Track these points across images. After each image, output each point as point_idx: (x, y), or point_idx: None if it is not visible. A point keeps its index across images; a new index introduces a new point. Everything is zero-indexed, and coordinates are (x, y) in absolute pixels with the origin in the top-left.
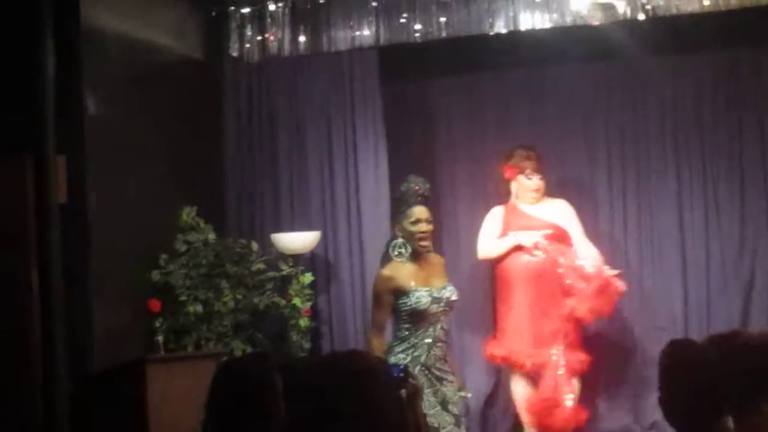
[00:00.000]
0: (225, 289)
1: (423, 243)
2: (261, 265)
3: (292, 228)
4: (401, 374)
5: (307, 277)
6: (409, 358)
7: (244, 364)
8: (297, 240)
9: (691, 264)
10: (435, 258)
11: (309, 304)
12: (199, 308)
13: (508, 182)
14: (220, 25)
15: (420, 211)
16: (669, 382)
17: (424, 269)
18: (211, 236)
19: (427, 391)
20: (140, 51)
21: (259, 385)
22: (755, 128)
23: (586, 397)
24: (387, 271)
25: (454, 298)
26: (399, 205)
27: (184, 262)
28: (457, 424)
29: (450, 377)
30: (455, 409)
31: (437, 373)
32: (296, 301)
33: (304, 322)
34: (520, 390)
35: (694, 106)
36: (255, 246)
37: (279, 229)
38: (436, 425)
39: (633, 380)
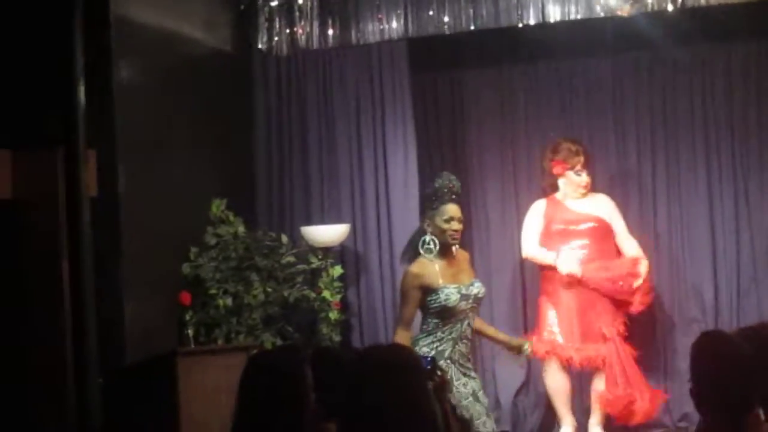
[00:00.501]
0: (255, 282)
1: (453, 241)
2: (291, 258)
3: (322, 221)
4: (429, 366)
5: (337, 270)
6: (433, 352)
7: (274, 357)
8: (327, 233)
9: (721, 256)
10: (461, 254)
11: (339, 296)
12: (229, 301)
13: (555, 177)
14: (249, 18)
15: (453, 210)
16: (701, 374)
17: (453, 266)
18: (241, 229)
19: (457, 382)
20: (171, 44)
21: (290, 378)
22: None
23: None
24: (415, 269)
25: (481, 294)
26: (431, 201)
27: (214, 255)
28: (488, 415)
29: (473, 374)
30: (485, 401)
31: (461, 369)
32: (326, 293)
33: (333, 315)
34: (555, 382)
35: (724, 97)
36: (285, 239)
37: (309, 221)
38: (468, 417)
39: (665, 371)
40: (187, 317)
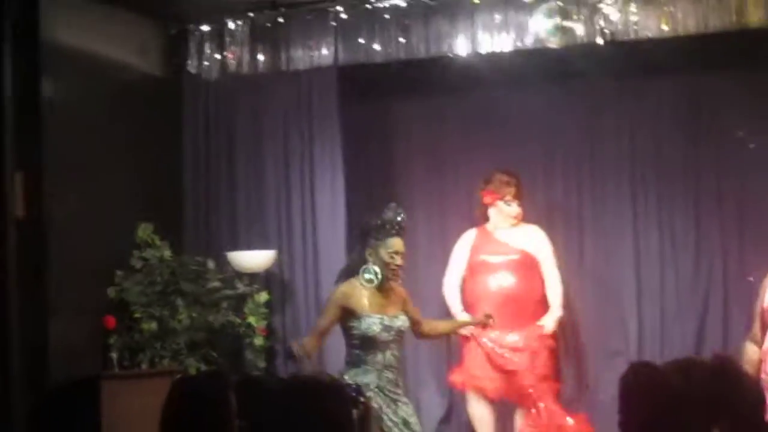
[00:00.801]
0: (180, 306)
1: (394, 276)
2: (217, 283)
3: (249, 246)
4: (354, 394)
5: (263, 296)
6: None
7: (198, 382)
8: (253, 258)
9: (645, 289)
10: (398, 290)
11: (264, 323)
12: (154, 325)
13: (486, 207)
14: (179, 43)
15: (398, 244)
16: (630, 405)
17: (383, 297)
18: (167, 253)
19: (387, 409)
20: (100, 67)
21: (213, 403)
22: (712, 155)
23: None
24: (345, 288)
25: (404, 327)
26: (377, 232)
27: (140, 279)
28: None
29: (404, 399)
30: (417, 428)
31: (391, 395)
32: (251, 319)
33: (259, 341)
34: (477, 413)
35: (652, 132)
36: (211, 264)
37: (235, 247)
38: None
39: (587, 404)
40: (112, 341)
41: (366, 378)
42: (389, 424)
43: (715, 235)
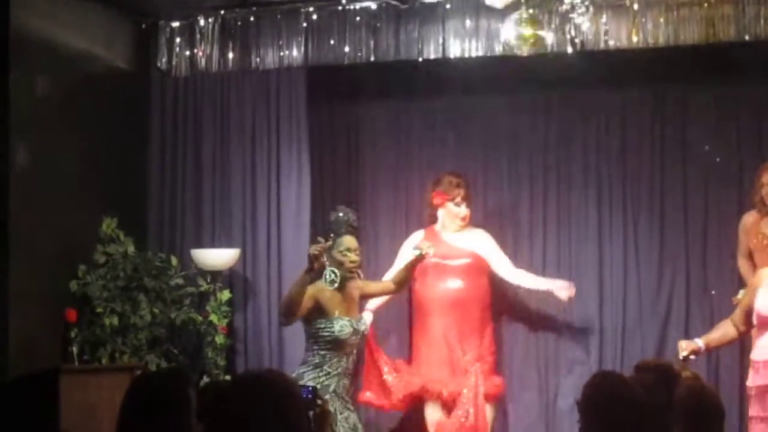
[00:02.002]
0: (142, 302)
1: (351, 273)
2: (179, 280)
3: (213, 244)
4: (310, 396)
5: (225, 294)
6: (319, 386)
7: (159, 378)
8: (216, 256)
9: (608, 297)
10: (354, 290)
11: (226, 321)
12: (116, 320)
13: (435, 208)
14: (149, 38)
15: (349, 241)
16: (593, 415)
17: (346, 299)
18: (131, 249)
19: (340, 416)
20: (69, 59)
21: (173, 400)
22: (678, 166)
23: (499, 426)
24: (312, 290)
25: (366, 331)
26: (328, 234)
27: (103, 274)
28: None
29: (352, 407)
30: None
31: (343, 403)
32: (213, 317)
33: (220, 339)
34: (435, 417)
35: (619, 142)
36: (174, 261)
37: (199, 244)
38: None
39: (547, 411)
40: (72, 334)
41: (327, 381)
42: (342, 429)
43: (679, 246)
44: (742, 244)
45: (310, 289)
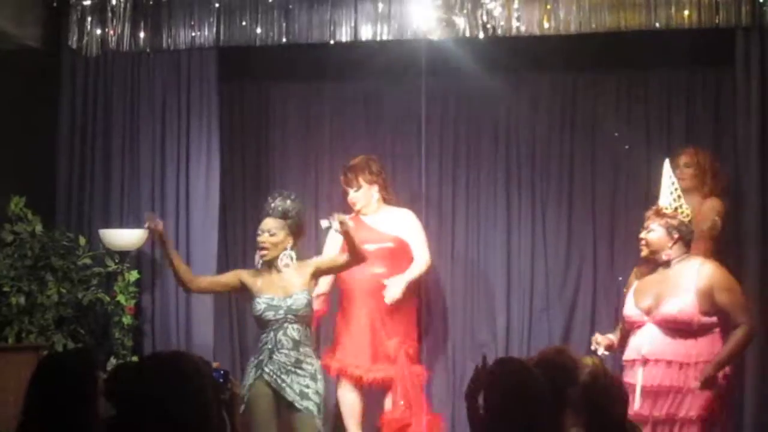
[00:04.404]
0: (49, 282)
1: (261, 253)
2: (87, 260)
3: (121, 224)
4: (221, 379)
5: (133, 275)
6: (255, 362)
7: (67, 358)
8: (125, 237)
9: (515, 282)
10: (300, 266)
11: (133, 301)
12: (22, 300)
13: (345, 194)
14: (60, 16)
15: (264, 223)
16: (492, 400)
17: (276, 278)
18: (39, 228)
19: (285, 390)
20: None
21: (81, 380)
22: (586, 153)
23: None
24: (243, 272)
25: (297, 306)
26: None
27: (10, 253)
28: (319, 411)
29: (304, 370)
30: (315, 396)
31: (283, 373)
32: (121, 298)
33: (127, 320)
34: (348, 399)
35: (528, 127)
36: (82, 240)
37: (107, 225)
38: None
39: (453, 394)
40: None
41: (261, 356)
42: (289, 400)
43: (586, 233)
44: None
45: (244, 269)
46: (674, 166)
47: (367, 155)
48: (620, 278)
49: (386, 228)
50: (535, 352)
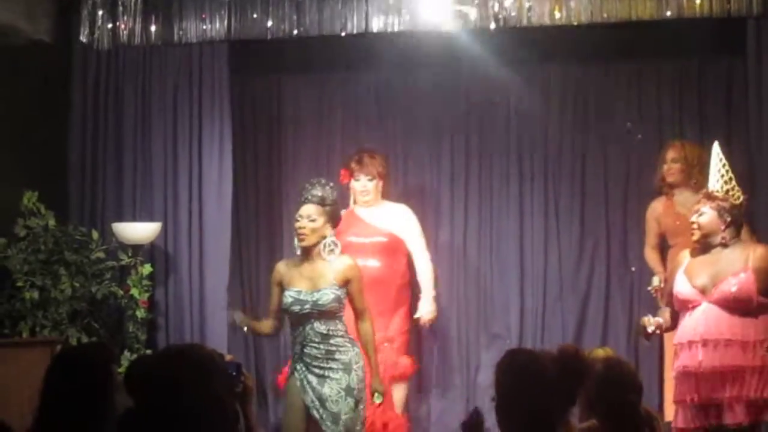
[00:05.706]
0: (63, 276)
1: (300, 239)
2: (100, 254)
3: (134, 218)
4: (235, 372)
5: (147, 268)
6: (292, 356)
7: (82, 353)
8: (138, 230)
9: (528, 273)
10: (336, 262)
11: (147, 295)
12: (36, 294)
13: (345, 187)
14: (71, 10)
15: (303, 209)
16: (505, 391)
17: (307, 269)
18: (52, 222)
19: (311, 387)
20: None
21: (97, 374)
22: (599, 143)
23: (418, 402)
24: (279, 263)
25: (323, 302)
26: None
27: (23, 247)
28: (335, 421)
29: (335, 375)
30: (335, 407)
31: (316, 371)
32: (134, 291)
33: (141, 314)
34: None
35: (541, 117)
36: (95, 234)
37: (120, 218)
38: (317, 417)
39: (467, 386)
40: None
41: (295, 349)
42: (309, 403)
43: (599, 224)
44: (651, 234)
45: (279, 263)
46: (661, 161)
47: (374, 149)
48: (633, 269)
49: (381, 223)
50: (549, 345)
